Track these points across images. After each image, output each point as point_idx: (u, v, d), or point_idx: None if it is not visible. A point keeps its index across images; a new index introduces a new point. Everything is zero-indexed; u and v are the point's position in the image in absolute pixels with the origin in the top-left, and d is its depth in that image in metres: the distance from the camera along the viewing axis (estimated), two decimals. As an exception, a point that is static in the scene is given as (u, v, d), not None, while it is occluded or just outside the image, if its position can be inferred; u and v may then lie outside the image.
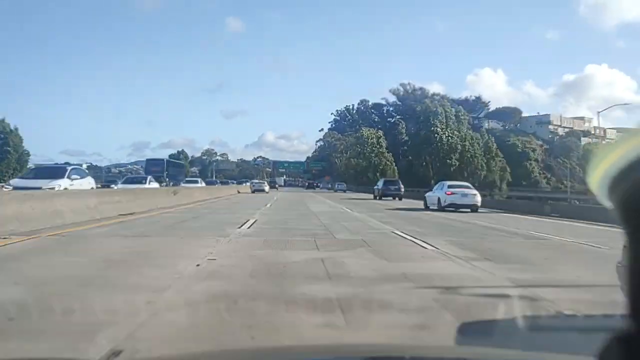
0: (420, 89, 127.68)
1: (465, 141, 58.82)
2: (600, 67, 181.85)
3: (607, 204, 0.59)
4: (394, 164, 79.40)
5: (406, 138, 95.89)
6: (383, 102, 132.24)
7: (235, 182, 60.61)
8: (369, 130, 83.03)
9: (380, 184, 36.76)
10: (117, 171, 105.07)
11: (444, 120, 61.60)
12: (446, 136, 58.97)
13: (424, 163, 61.97)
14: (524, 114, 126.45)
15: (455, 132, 59.85)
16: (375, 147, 78.39)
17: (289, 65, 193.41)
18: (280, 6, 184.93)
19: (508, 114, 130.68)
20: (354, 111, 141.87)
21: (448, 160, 56.65)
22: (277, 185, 74.02)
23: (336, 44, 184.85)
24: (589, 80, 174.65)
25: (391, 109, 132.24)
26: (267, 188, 51.61)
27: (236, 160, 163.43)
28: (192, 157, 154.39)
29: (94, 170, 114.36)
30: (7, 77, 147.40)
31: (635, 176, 0.52)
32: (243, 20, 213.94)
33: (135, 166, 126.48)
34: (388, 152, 79.61)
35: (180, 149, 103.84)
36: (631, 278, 0.56)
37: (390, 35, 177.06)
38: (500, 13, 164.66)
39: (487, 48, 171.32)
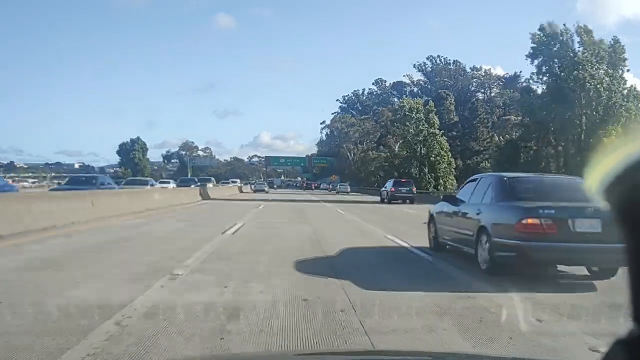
0: (455, 62, 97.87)
1: (628, 101, 28.91)
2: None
3: (605, 204, 0.58)
4: (449, 153, 49.97)
5: (456, 119, 66.46)
6: (406, 79, 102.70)
7: (174, 182, 30.52)
8: (413, 99, 53.89)
9: (388, 185, 31.21)
10: (112, 171, 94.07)
11: (606, 68, 30.11)
12: (604, 89, 28.28)
13: (544, 148, 32.05)
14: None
15: (615, 84, 29.23)
16: (424, 126, 48.76)
17: (284, 64, 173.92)
18: (272, 3, 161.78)
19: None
20: (364, 97, 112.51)
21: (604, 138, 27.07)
22: (275, 186, 66.31)
23: (333, 42, 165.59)
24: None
25: (416, 89, 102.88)
26: (267, 188, 51.87)
27: (229, 159, 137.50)
28: (167, 151, 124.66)
29: (86, 170, 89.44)
30: (4, 77, 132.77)
31: (633, 179, 0.52)
32: (234, 17, 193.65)
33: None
34: (441, 135, 50.16)
35: (135, 137, 73.73)
36: (632, 281, 0.55)
37: (386, 32, 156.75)
38: (496, 12, 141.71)
39: (483, 46, 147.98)
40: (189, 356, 2.89)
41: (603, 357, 0.59)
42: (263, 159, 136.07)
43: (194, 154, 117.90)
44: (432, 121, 48.82)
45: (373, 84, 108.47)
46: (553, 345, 3.36)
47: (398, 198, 29.53)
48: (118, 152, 72.03)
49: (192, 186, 27.69)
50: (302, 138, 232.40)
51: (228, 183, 46.05)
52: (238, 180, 53.25)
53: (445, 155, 48.46)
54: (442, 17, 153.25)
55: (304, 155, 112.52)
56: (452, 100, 67.81)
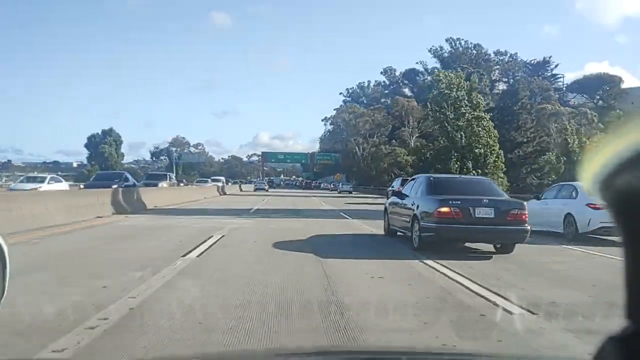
0: (477, 46, 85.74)
1: None
2: (601, 65, 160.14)
3: (600, 202, 0.57)
4: (497, 143, 37.72)
5: (492, 104, 54.08)
6: (419, 67, 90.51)
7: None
8: (453, 72, 41.69)
9: (396, 184, 25.85)
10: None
11: None
12: None
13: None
14: (625, 85, 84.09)
15: None
16: (466, 107, 36.51)
17: (281, 62, 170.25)
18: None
19: (598, 85, 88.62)
20: (370, 90, 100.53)
21: None
22: (274, 185, 62.11)
23: (330, 38, 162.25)
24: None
25: (430, 78, 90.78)
26: (266, 187, 50.44)
27: (228, 157, 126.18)
28: (156, 147, 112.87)
29: (83, 169, 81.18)
30: (3, 76, 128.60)
31: (630, 175, 0.51)
32: (230, 15, 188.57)
33: (132, 166, 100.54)
34: (489, 119, 37.94)
35: (107, 128, 61.07)
36: (628, 278, 0.54)
37: (391, 26, 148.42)
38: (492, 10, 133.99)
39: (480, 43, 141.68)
40: (190, 354, 2.66)
41: (596, 354, 0.58)
42: (260, 156, 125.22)
43: (185, 151, 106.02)
44: (475, 101, 36.39)
45: (381, 73, 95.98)
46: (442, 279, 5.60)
47: None
48: (86, 146, 59.58)
49: (116, 186, 15.30)
50: (301, 138, 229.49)
51: (206, 182, 33.65)
52: (222, 179, 40.92)
53: (494, 146, 36.02)
54: (441, 14, 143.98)
55: (305, 152, 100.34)
56: (488, 81, 55.44)
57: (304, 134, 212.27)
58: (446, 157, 36.14)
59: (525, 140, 49.44)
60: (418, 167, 40.98)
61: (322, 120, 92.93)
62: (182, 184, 32.70)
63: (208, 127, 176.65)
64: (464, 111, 35.93)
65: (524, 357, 2.38)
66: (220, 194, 31.48)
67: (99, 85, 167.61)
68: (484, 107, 36.65)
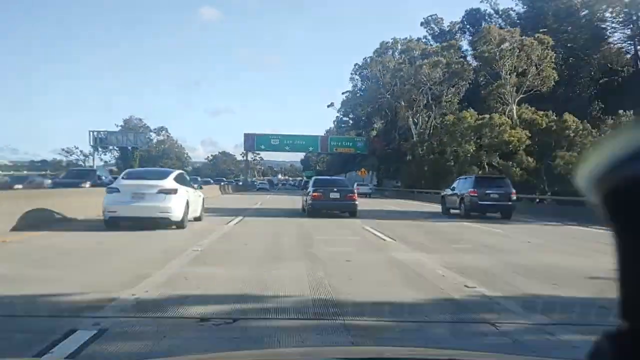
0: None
1: None
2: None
3: (593, 200, 0.55)
4: None
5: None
6: (486, 7, 58.63)
7: None
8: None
9: (464, 185, 17.45)
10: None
11: None
12: None
13: None
14: None
15: None
16: None
17: (276, 59, 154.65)
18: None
19: None
20: (395, 52, 67.62)
21: None
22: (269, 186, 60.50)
23: (329, 34, 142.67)
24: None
25: (502, 21, 58.45)
26: (267, 186, 53.75)
27: (217, 153, 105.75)
28: (99, 132, 79.63)
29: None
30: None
31: (624, 172, 0.49)
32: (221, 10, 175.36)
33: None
34: None
35: None
36: (621, 277, 0.53)
37: (380, 23, 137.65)
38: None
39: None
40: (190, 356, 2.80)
41: (590, 353, 0.57)
42: (259, 158, 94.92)
43: (146, 136, 73.71)
44: None
45: (422, 24, 62.93)
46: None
47: (485, 208, 16.41)
48: None
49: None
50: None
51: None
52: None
53: None
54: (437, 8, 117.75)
55: (314, 135, 67.79)
56: None
57: (303, 133, 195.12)
58: None
59: None
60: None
61: (328, 106, 61.08)
62: None
63: (203, 126, 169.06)
64: None
65: (519, 359, 2.36)
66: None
67: (93, 84, 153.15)
68: None
